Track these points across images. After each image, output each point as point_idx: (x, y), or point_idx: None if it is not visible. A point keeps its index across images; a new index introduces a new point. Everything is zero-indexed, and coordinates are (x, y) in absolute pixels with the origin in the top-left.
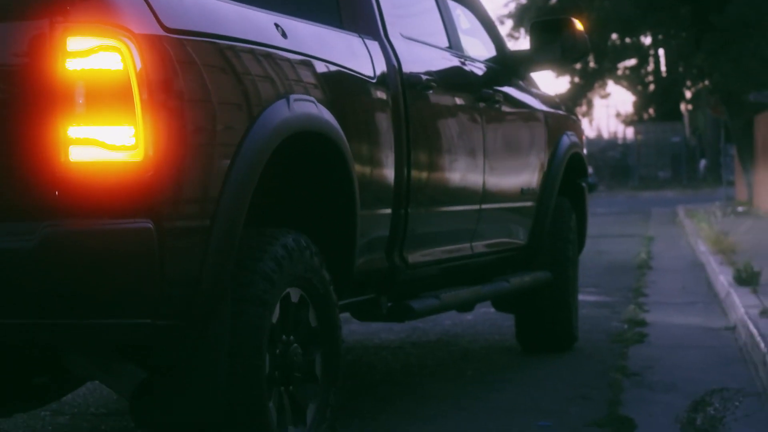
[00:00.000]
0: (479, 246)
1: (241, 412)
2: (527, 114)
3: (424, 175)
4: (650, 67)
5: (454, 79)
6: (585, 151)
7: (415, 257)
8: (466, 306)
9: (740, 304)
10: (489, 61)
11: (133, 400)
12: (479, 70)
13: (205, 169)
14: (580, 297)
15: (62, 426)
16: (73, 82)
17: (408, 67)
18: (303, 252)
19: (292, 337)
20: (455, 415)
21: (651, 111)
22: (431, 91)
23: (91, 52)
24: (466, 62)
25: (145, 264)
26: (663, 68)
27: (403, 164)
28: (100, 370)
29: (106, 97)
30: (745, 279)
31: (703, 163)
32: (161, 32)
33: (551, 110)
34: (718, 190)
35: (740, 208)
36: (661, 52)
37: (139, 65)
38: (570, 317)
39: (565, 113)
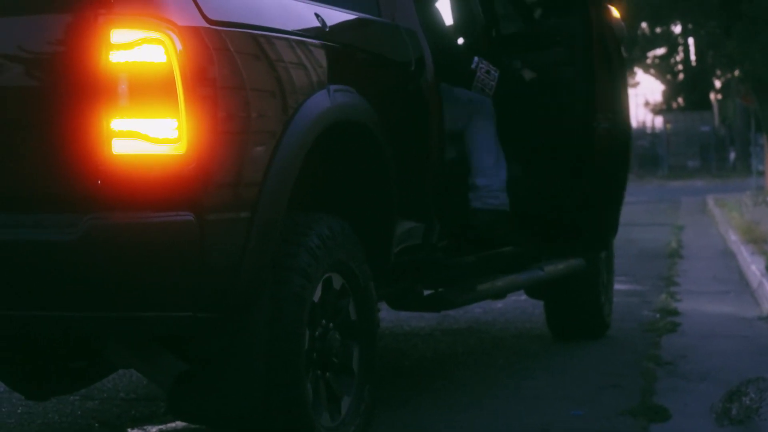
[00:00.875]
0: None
1: (280, 385)
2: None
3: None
4: (680, 57)
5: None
6: None
7: (449, 246)
8: (500, 294)
9: None
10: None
11: (172, 390)
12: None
13: (247, 161)
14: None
15: (92, 410)
16: (117, 74)
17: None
18: (346, 237)
19: (331, 324)
20: (488, 403)
21: (680, 100)
22: None
23: (134, 44)
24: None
25: (187, 257)
26: (693, 57)
27: (438, 153)
28: (139, 360)
29: (149, 90)
30: None
31: (732, 152)
32: (204, 24)
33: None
34: (748, 179)
35: None
36: (690, 41)
37: (182, 58)
38: (600, 305)
39: None
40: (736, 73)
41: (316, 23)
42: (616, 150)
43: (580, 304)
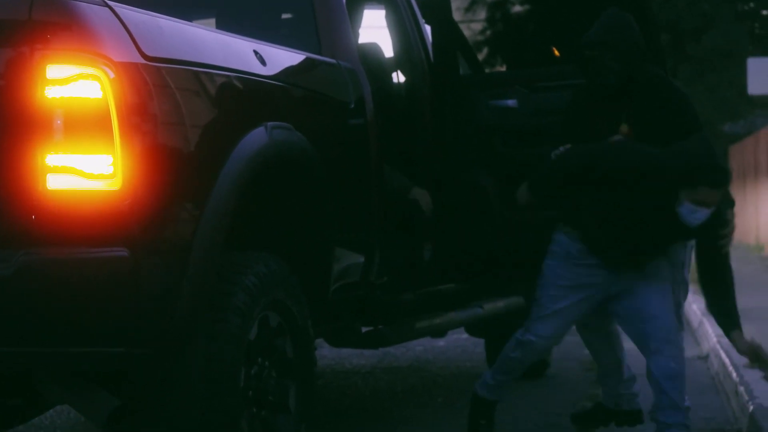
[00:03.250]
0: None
1: (215, 424)
2: None
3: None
4: None
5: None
6: None
7: (389, 282)
8: (439, 332)
9: (713, 334)
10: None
11: (107, 427)
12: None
13: (183, 198)
14: None
15: None
16: (52, 109)
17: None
18: (283, 276)
19: (267, 363)
20: None
21: None
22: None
23: (70, 80)
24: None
25: (121, 293)
26: None
27: (378, 190)
28: (73, 396)
29: (84, 126)
30: None
31: None
32: (141, 60)
33: None
34: None
35: None
36: None
37: (118, 94)
38: None
39: None
40: None
41: (255, 60)
42: None
43: None
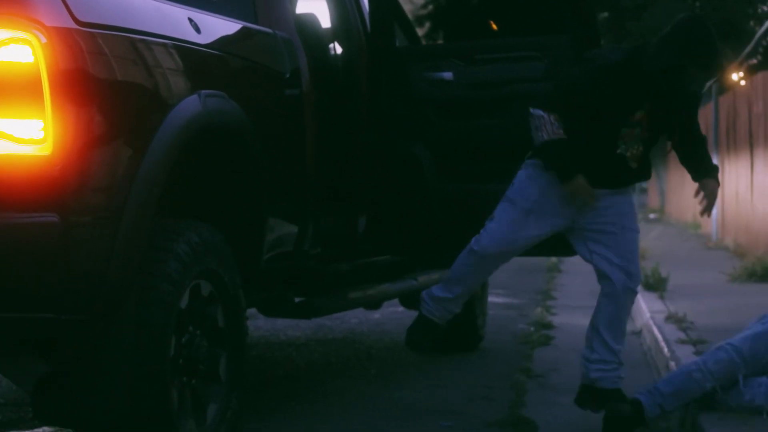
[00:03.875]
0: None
1: (145, 391)
2: None
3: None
4: None
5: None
6: None
7: (320, 253)
8: (373, 303)
9: (646, 309)
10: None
11: (35, 393)
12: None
13: (115, 164)
14: (490, 299)
15: None
16: None
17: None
18: (216, 244)
19: (198, 331)
20: (357, 414)
21: None
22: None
23: (1, 44)
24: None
25: (51, 258)
26: None
27: (313, 160)
28: (1, 362)
29: (15, 90)
30: (653, 284)
31: None
32: (74, 25)
33: None
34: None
35: (652, 215)
36: None
37: (50, 59)
38: (474, 317)
39: None
40: None
41: (190, 28)
42: None
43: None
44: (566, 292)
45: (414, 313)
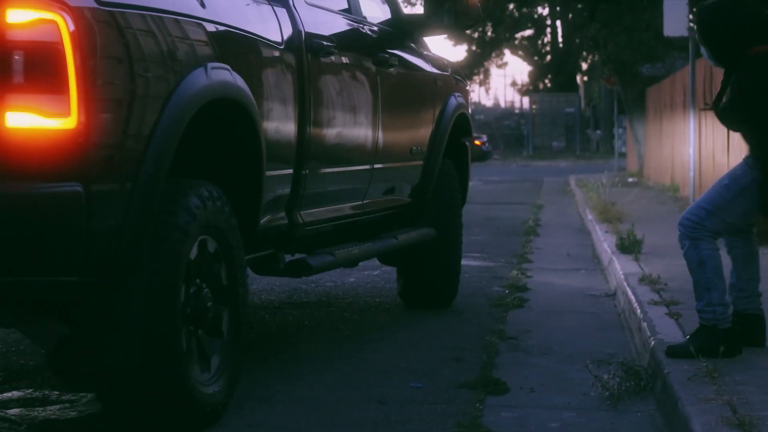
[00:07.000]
0: (370, 204)
1: (157, 336)
2: (419, 76)
3: (323, 136)
4: (547, 39)
5: (352, 44)
6: (472, 112)
7: (311, 215)
8: (357, 261)
9: (621, 271)
10: (384, 24)
11: (55, 353)
12: (376, 33)
13: (131, 135)
14: (465, 262)
15: None
16: (12, 52)
17: (311, 33)
18: (222, 204)
19: (205, 285)
20: (329, 375)
21: (547, 81)
22: (332, 56)
23: (30, 24)
24: (364, 26)
25: (75, 225)
26: (560, 39)
27: (304, 127)
28: (24, 323)
29: (42, 67)
30: (628, 246)
31: (597, 134)
32: (94, 5)
33: (440, 72)
34: (611, 161)
35: (631, 179)
36: (558, 23)
37: (74, 37)
38: (451, 272)
39: (452, 75)
40: (596, 57)
41: (196, 3)
42: None
43: (431, 269)
44: (542, 255)
45: (388, 277)
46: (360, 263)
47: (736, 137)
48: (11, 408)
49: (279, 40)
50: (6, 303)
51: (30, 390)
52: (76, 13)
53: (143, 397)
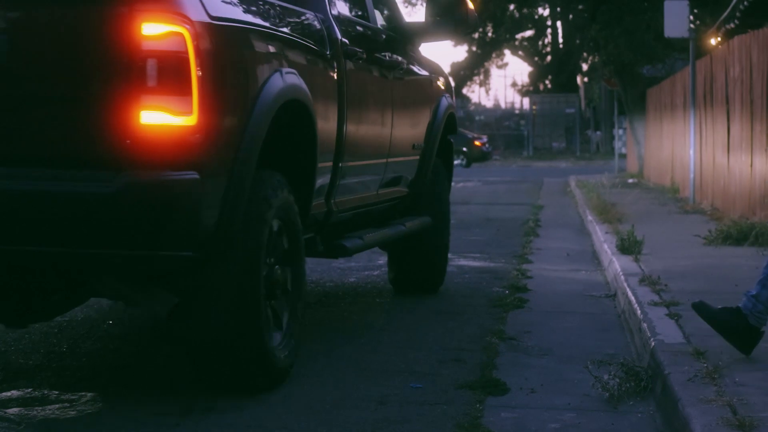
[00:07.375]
0: (383, 194)
1: (246, 312)
2: (420, 79)
3: (354, 133)
4: (548, 39)
5: (373, 49)
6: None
7: (341, 203)
8: (379, 245)
9: (621, 272)
10: (390, 31)
11: (166, 320)
12: (387, 40)
13: (233, 130)
14: (465, 262)
15: None
16: (146, 59)
17: (345, 41)
18: (283, 189)
19: (272, 259)
20: (329, 375)
21: (548, 82)
22: (360, 61)
23: (162, 36)
24: (379, 33)
25: (193, 207)
26: (560, 40)
27: (342, 124)
28: (139, 294)
29: (172, 73)
30: (628, 247)
31: (597, 134)
32: (207, 20)
33: (432, 74)
34: (611, 161)
35: (631, 180)
36: (558, 24)
37: (195, 47)
38: (441, 257)
39: (441, 76)
40: (597, 58)
41: (270, 14)
42: None
43: (424, 256)
44: (543, 256)
45: (387, 270)
46: (360, 263)
47: (737, 138)
48: (10, 407)
49: (326, 47)
50: (132, 275)
51: (29, 389)
52: (197, 27)
53: (234, 358)
